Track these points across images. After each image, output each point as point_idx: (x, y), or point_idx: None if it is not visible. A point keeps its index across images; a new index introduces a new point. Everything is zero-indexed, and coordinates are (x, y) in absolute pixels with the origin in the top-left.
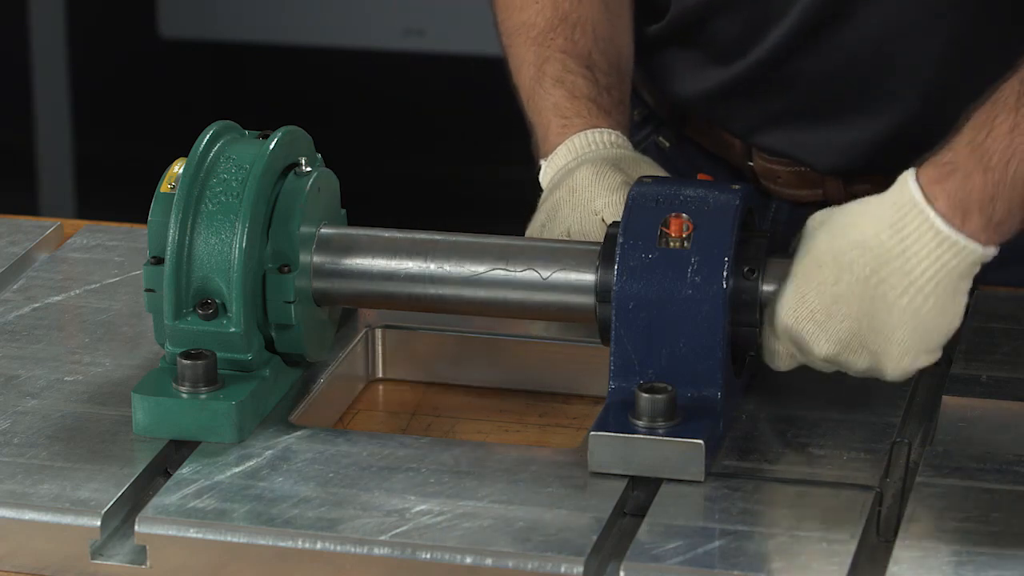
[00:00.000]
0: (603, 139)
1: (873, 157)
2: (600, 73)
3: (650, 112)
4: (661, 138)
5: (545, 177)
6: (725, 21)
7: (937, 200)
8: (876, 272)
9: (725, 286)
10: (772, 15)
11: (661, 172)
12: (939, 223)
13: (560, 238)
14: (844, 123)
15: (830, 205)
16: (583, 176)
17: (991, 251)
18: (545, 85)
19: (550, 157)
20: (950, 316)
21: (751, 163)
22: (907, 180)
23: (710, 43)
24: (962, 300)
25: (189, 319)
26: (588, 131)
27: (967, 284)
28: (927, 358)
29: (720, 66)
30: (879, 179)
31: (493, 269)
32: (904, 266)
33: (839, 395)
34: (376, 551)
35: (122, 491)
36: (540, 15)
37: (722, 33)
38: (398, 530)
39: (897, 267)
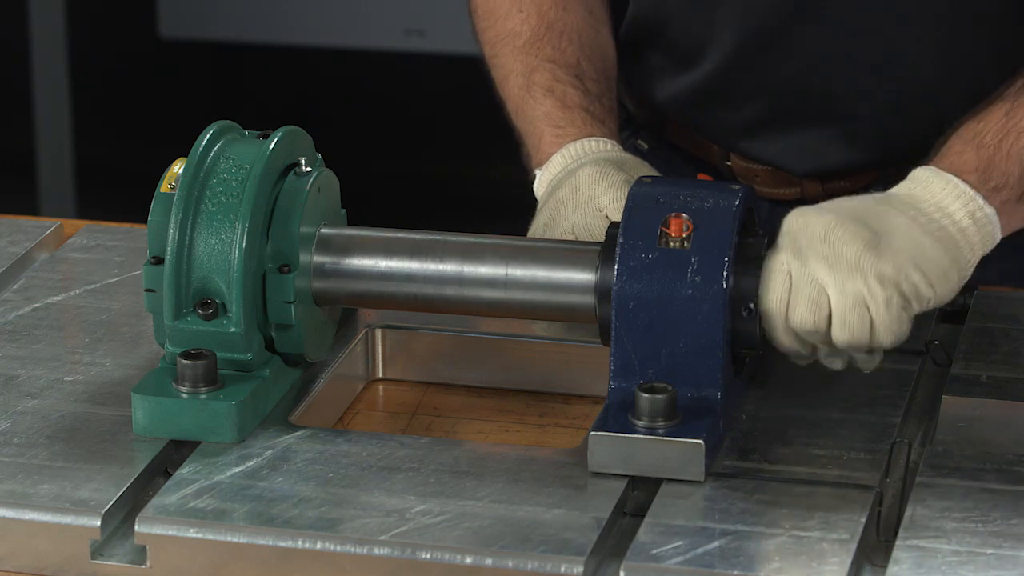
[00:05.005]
0: (598, 147)
1: (848, 159)
2: (590, 82)
3: (629, 115)
4: (640, 141)
5: (541, 186)
6: (680, 24)
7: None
8: (883, 200)
9: (725, 286)
10: (725, 18)
11: (658, 174)
12: (942, 172)
13: (561, 238)
14: (816, 128)
15: (808, 203)
16: (586, 175)
17: (991, 211)
18: (535, 95)
19: (545, 166)
20: (952, 257)
21: (729, 163)
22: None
23: (670, 47)
24: (964, 254)
25: (189, 319)
26: (583, 140)
27: (969, 248)
28: (920, 278)
29: (683, 71)
30: (856, 178)
31: (493, 269)
32: (910, 199)
33: (839, 395)
34: (376, 551)
35: (122, 491)
36: (525, 24)
37: (679, 36)
38: (398, 530)
39: (904, 200)
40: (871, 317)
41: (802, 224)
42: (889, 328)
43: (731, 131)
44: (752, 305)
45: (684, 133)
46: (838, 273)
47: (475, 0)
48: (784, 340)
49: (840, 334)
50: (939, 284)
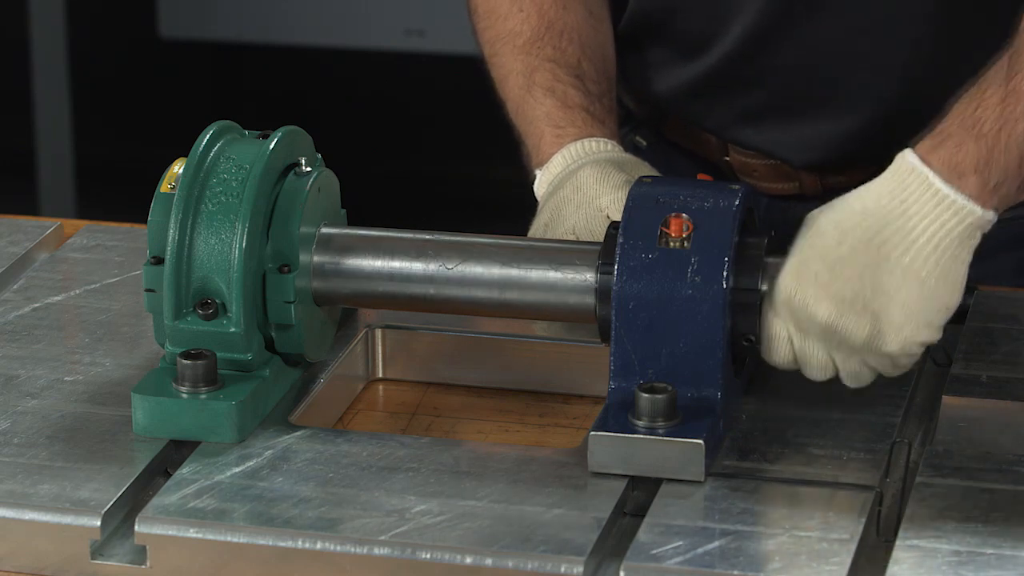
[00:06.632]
0: (599, 147)
1: (848, 151)
2: (590, 82)
3: (627, 112)
4: (639, 137)
5: (541, 186)
6: (685, 16)
7: (933, 165)
8: (879, 233)
9: (725, 286)
10: (732, 9)
11: (658, 174)
12: (937, 183)
13: (562, 238)
14: (816, 118)
15: (806, 197)
16: (587, 175)
17: (990, 215)
18: (535, 95)
19: (545, 166)
20: (952, 284)
21: (727, 158)
22: (904, 153)
23: (674, 39)
24: (963, 270)
25: (189, 319)
26: (584, 140)
27: (967, 252)
28: (928, 332)
29: (687, 62)
30: (854, 172)
31: (493, 269)
32: (905, 226)
33: (839, 395)
34: (376, 551)
35: (122, 491)
36: (526, 23)
37: (684, 28)
38: (398, 530)
39: (898, 227)
40: (880, 373)
41: (800, 302)
42: (899, 374)
43: (731, 121)
44: (752, 338)
45: (682, 128)
46: (843, 353)
47: (474, 0)
48: (781, 332)
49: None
50: (945, 318)
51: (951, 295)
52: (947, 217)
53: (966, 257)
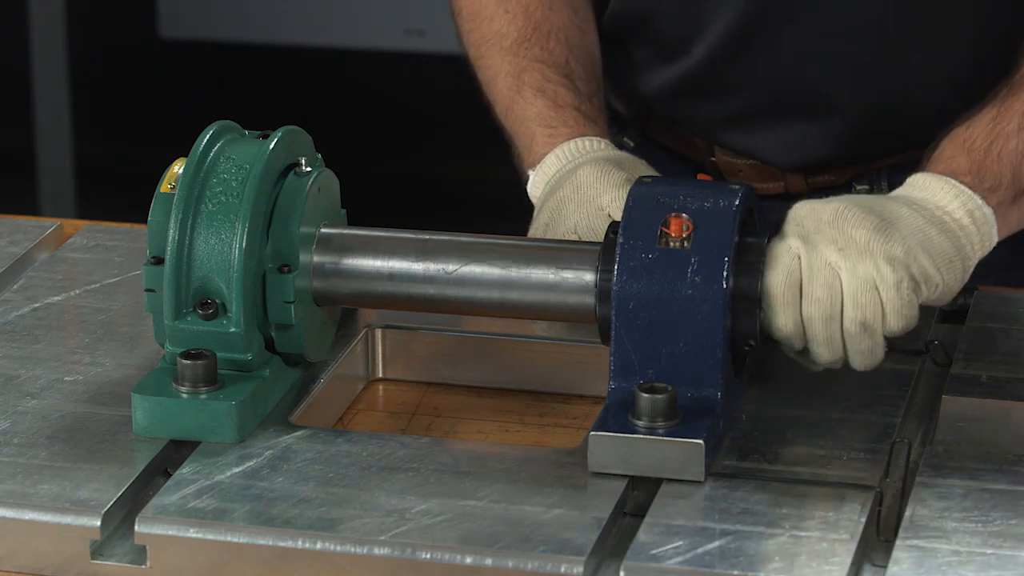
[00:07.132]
0: (594, 146)
1: (832, 152)
2: (580, 81)
3: (614, 113)
4: (626, 138)
5: (536, 187)
6: (662, 18)
7: (926, 171)
8: (885, 197)
9: (725, 286)
10: (710, 12)
11: (657, 174)
12: (937, 175)
13: (563, 237)
14: (800, 121)
15: (792, 197)
16: (587, 174)
17: (988, 211)
18: (525, 95)
19: (539, 166)
20: (954, 250)
21: (713, 159)
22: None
23: (655, 40)
24: (965, 255)
25: (189, 319)
26: (577, 139)
27: (969, 244)
28: (928, 261)
29: (668, 63)
30: (839, 171)
31: (493, 269)
32: (910, 198)
33: (839, 395)
34: (376, 551)
35: (122, 491)
36: (512, 24)
37: (663, 30)
38: (398, 530)
39: (905, 198)
40: (881, 301)
41: (809, 211)
42: (899, 312)
43: (715, 124)
44: (752, 342)
45: (668, 129)
46: (849, 256)
47: (459, 2)
48: (785, 325)
49: (852, 316)
50: (946, 271)
51: (955, 253)
52: (948, 199)
53: (968, 244)
